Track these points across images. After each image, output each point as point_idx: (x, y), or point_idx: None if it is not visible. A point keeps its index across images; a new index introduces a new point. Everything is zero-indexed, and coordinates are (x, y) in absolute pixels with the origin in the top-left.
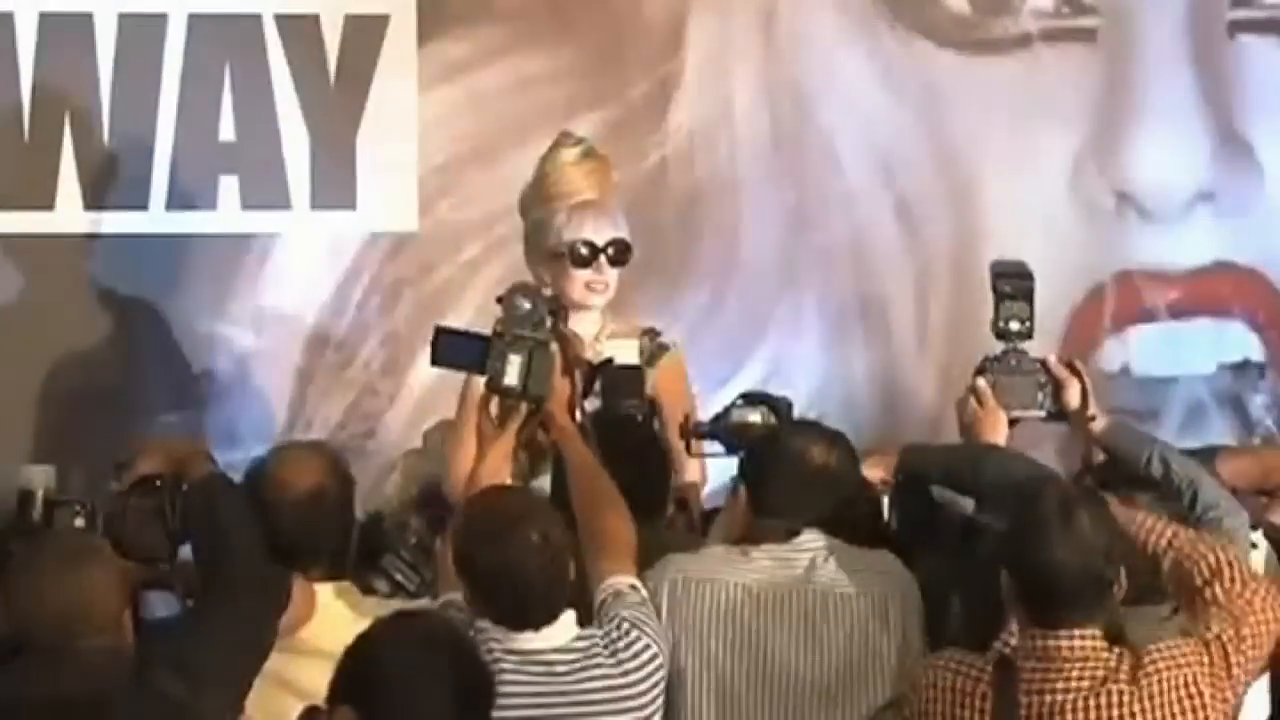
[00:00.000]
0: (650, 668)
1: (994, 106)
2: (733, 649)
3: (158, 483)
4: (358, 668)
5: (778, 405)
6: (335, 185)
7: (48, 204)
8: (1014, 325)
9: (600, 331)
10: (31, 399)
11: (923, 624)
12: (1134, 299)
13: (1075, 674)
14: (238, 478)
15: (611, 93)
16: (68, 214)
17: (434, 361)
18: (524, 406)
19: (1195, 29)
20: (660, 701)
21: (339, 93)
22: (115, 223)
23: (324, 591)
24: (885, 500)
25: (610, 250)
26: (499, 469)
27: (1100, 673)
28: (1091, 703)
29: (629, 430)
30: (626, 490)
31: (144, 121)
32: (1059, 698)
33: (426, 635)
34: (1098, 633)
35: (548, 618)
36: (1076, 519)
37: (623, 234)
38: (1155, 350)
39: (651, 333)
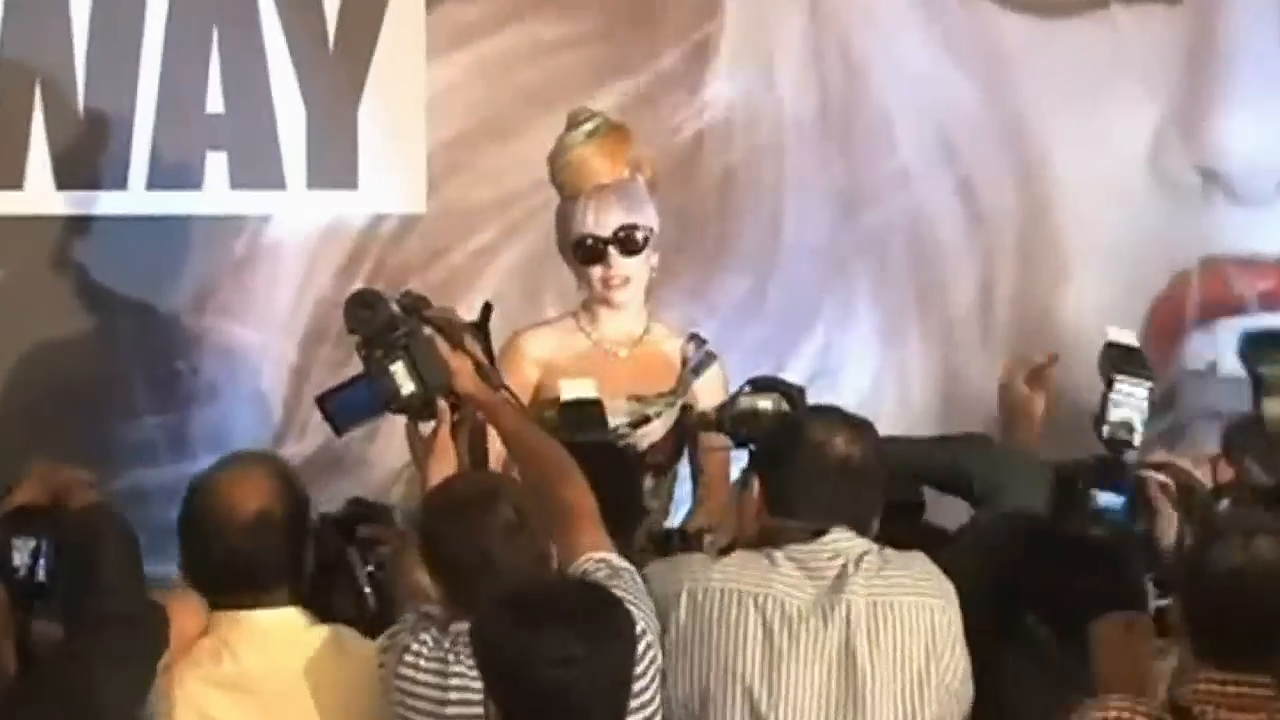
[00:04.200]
0: (641, 647)
1: (1066, 74)
2: (769, 674)
3: (36, 513)
4: None
5: (790, 392)
6: (334, 162)
7: (16, 183)
8: (1122, 434)
9: (645, 331)
10: None
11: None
12: (1221, 288)
13: None
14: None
15: (640, 59)
16: (38, 194)
17: (338, 431)
18: (442, 405)
19: None
20: (657, 685)
21: (339, 60)
22: (91, 203)
23: (267, 620)
24: None
25: (620, 239)
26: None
27: None
28: None
29: (595, 451)
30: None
31: (123, 92)
32: None
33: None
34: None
35: None
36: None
37: (635, 218)
38: None
39: (697, 339)
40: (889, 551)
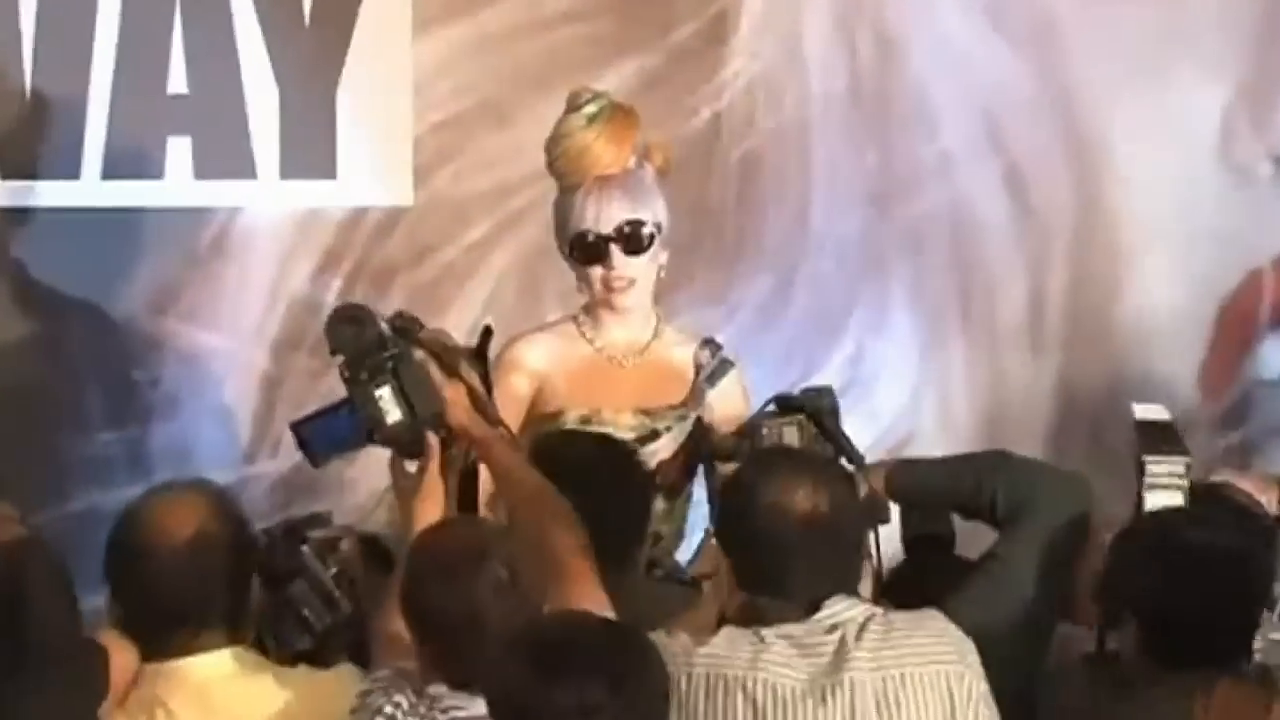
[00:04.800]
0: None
1: (1125, 50)
2: None
3: None
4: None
5: (819, 413)
6: (311, 149)
7: None
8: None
9: (654, 336)
10: None
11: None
12: None
13: None
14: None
15: (652, 34)
16: None
17: (315, 463)
18: (431, 439)
19: None
20: None
21: (315, 35)
22: (38, 194)
23: (204, 669)
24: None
25: (623, 235)
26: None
27: None
28: None
29: (598, 452)
30: (596, 527)
31: (75, 70)
32: None
33: None
34: None
35: None
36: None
37: (640, 212)
38: None
39: (712, 344)
40: (895, 616)
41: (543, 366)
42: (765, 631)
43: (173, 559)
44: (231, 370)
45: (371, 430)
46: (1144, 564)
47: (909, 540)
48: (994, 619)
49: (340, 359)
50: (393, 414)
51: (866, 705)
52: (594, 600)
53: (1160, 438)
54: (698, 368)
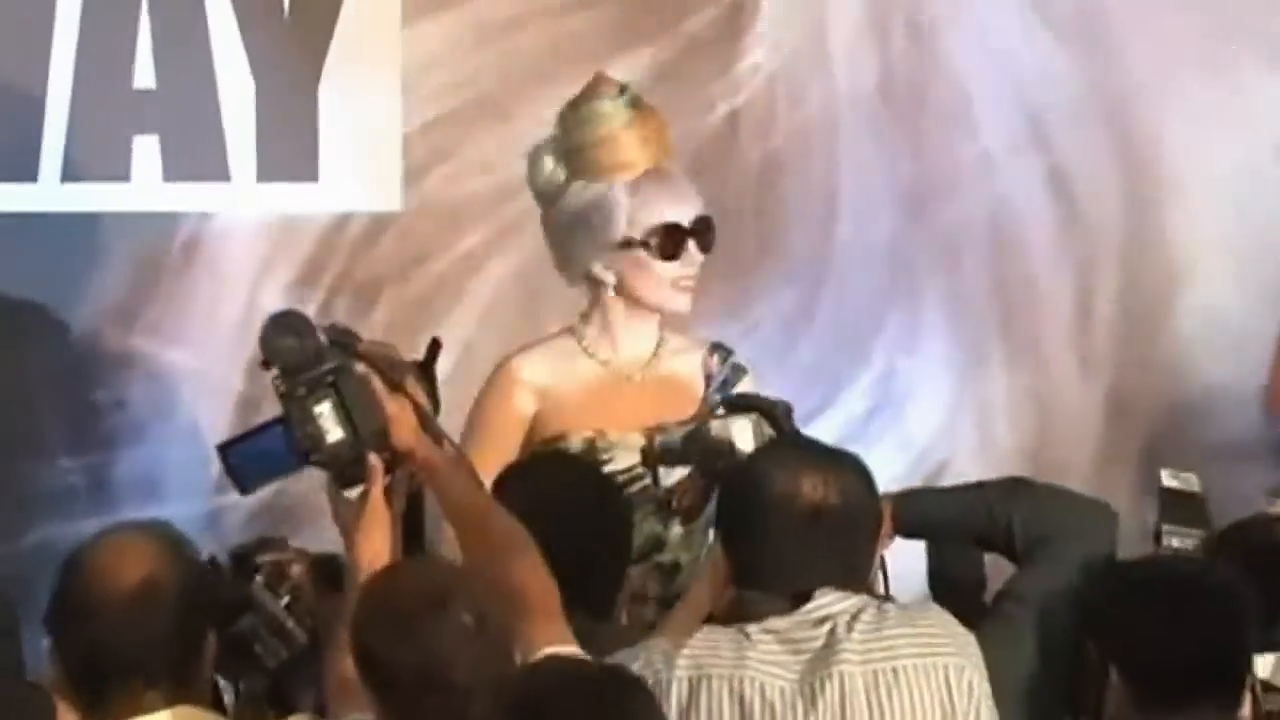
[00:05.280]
0: None
1: (1179, 42)
2: None
3: None
4: None
5: (775, 413)
6: (290, 149)
7: None
8: None
9: (659, 345)
10: None
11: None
12: None
13: None
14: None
15: (663, 23)
16: None
17: (243, 489)
18: (374, 460)
19: None
20: None
21: (295, 24)
22: None
23: None
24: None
25: (699, 231)
26: (382, 563)
27: None
28: None
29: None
30: (567, 571)
31: (32, 64)
32: None
33: None
34: None
35: None
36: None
37: (704, 209)
38: None
39: (721, 350)
40: (890, 606)
41: (545, 384)
42: (750, 628)
43: (114, 611)
44: (203, 391)
45: (308, 451)
46: (1118, 610)
47: (934, 580)
48: (1009, 665)
49: (274, 373)
50: (333, 433)
51: (856, 700)
52: (558, 635)
53: (1182, 509)
54: (708, 377)
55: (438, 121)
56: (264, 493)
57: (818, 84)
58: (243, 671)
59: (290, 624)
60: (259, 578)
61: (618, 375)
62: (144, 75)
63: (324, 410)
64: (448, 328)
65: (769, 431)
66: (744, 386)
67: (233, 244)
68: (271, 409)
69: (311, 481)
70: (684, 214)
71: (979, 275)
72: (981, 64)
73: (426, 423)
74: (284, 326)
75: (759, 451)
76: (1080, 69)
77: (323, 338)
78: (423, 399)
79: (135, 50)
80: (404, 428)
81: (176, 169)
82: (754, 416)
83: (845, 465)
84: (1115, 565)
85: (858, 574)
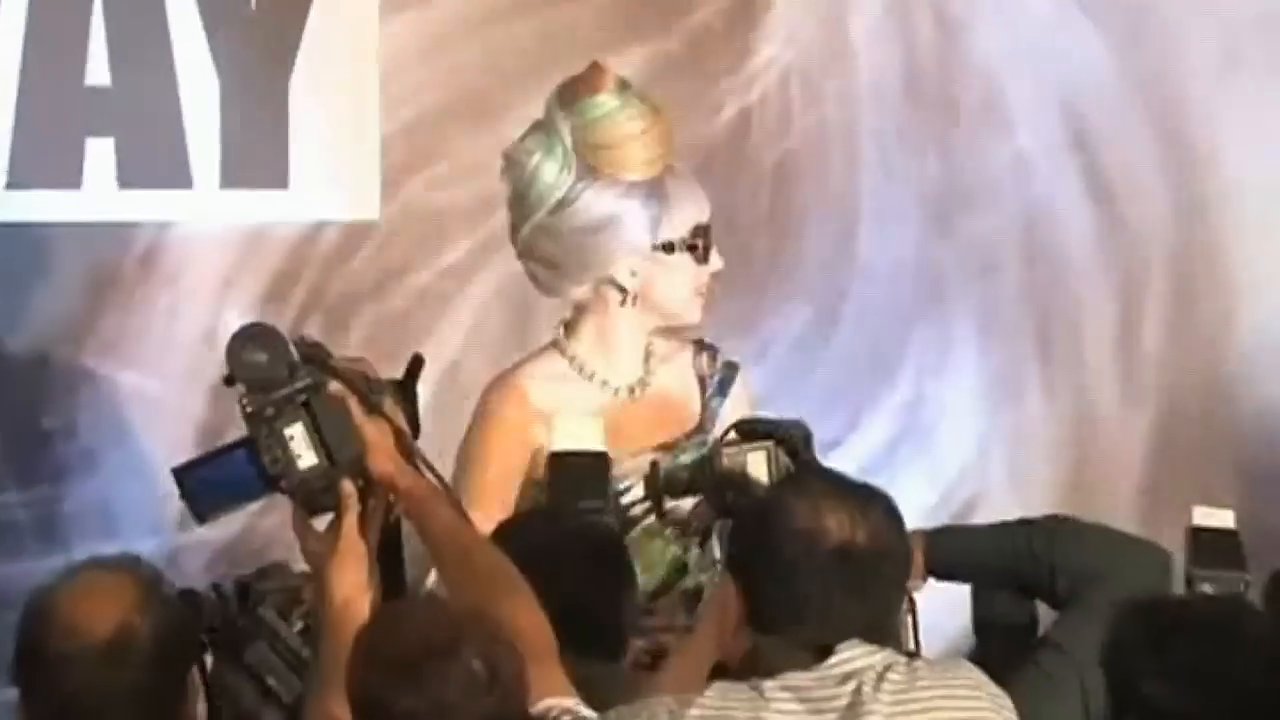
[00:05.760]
0: None
1: (1232, 33)
2: None
3: None
4: None
5: (792, 441)
6: (258, 152)
7: None
8: None
9: (648, 356)
10: None
11: None
12: None
13: None
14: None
15: (667, 13)
16: None
17: (201, 518)
18: (347, 488)
19: None
20: None
21: (264, 17)
22: None
23: None
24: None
25: (709, 232)
26: (358, 602)
27: None
28: None
29: (576, 532)
30: (570, 615)
31: None
32: None
33: None
34: None
35: None
36: None
37: None
38: None
39: (709, 349)
40: (920, 663)
41: (550, 411)
42: (766, 684)
43: (87, 664)
44: (161, 417)
45: (277, 476)
46: (1137, 659)
47: (980, 625)
48: None
49: (240, 390)
50: (305, 457)
51: None
52: (556, 685)
53: (1217, 550)
54: (701, 379)
55: (419, 122)
56: (231, 530)
57: (837, 79)
58: (254, 709)
59: (306, 653)
60: (267, 606)
61: (617, 394)
62: (98, 71)
63: (295, 433)
64: (430, 347)
65: (785, 461)
66: (738, 384)
67: (194, 257)
68: (238, 436)
69: (284, 516)
70: (705, 210)
71: (1014, 290)
72: (1016, 56)
73: (407, 448)
74: (253, 340)
75: (780, 483)
76: (1125, 60)
77: (294, 353)
78: (402, 422)
79: (88, 44)
80: (382, 453)
81: (133, 175)
82: (769, 445)
83: (874, 502)
84: (1139, 607)
85: (885, 624)
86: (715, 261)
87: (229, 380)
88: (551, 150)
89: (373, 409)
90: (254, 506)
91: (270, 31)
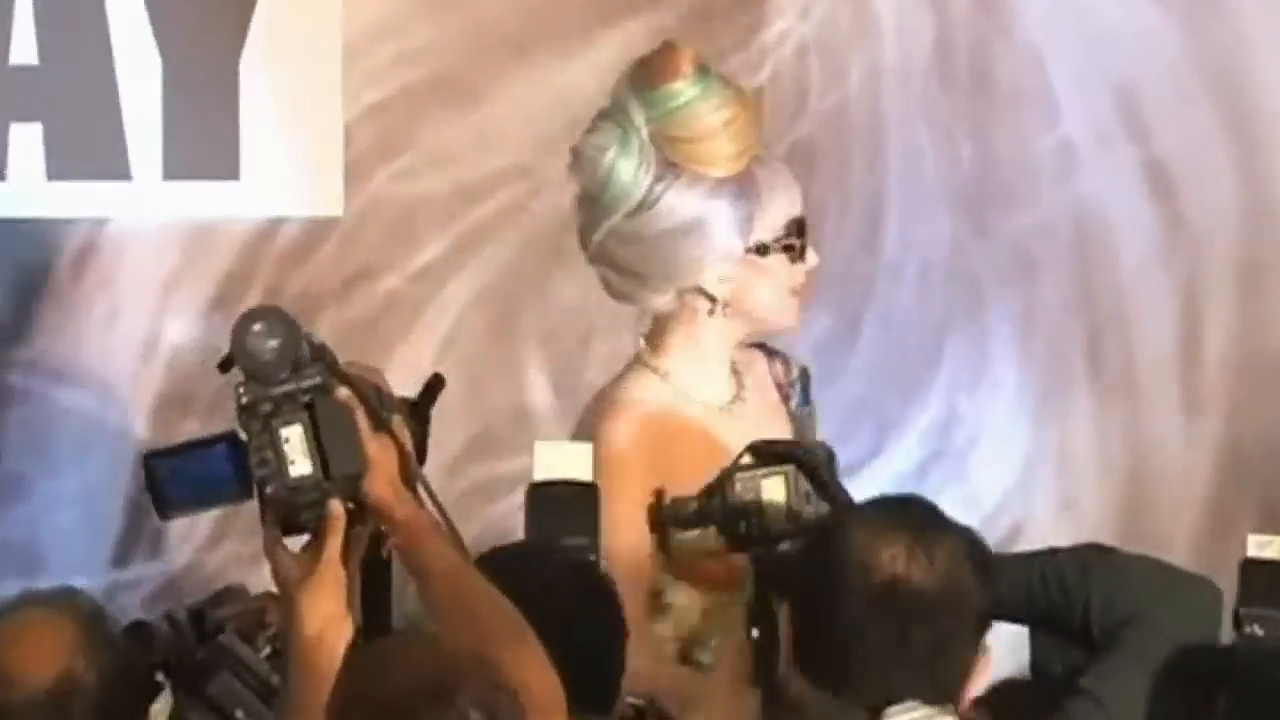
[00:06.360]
0: None
1: None
2: None
3: None
4: None
5: (814, 464)
6: (204, 140)
7: None
8: None
9: (734, 368)
10: None
11: None
12: None
13: None
14: None
15: None
16: None
17: (164, 513)
18: (335, 508)
19: None
20: None
21: None
22: None
23: None
24: None
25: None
26: (332, 635)
27: None
28: None
29: (564, 571)
30: (554, 664)
31: None
32: None
33: None
34: None
35: None
36: None
37: None
38: None
39: (778, 355)
40: None
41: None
42: None
43: (23, 712)
44: (97, 439)
45: (263, 481)
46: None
47: (1039, 670)
48: None
49: (237, 378)
50: (298, 465)
51: None
52: None
53: (1272, 585)
54: (779, 387)
55: (387, 106)
56: (175, 565)
57: (859, 59)
58: None
59: (276, 680)
60: (229, 632)
61: (723, 418)
62: (23, 49)
63: (292, 435)
64: (399, 359)
65: (806, 487)
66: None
67: (134, 257)
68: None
69: (232, 551)
70: (799, 203)
71: (1059, 295)
72: (1062, 31)
73: (410, 475)
74: (264, 323)
75: (844, 506)
76: (1187, 36)
77: (306, 348)
78: (409, 444)
79: (12, 17)
80: (381, 476)
81: (64, 165)
82: (789, 469)
83: (949, 535)
84: (1181, 656)
85: (946, 683)
86: (811, 257)
87: (226, 364)
88: (627, 146)
89: (380, 425)
90: (204, 532)
91: (219, 5)
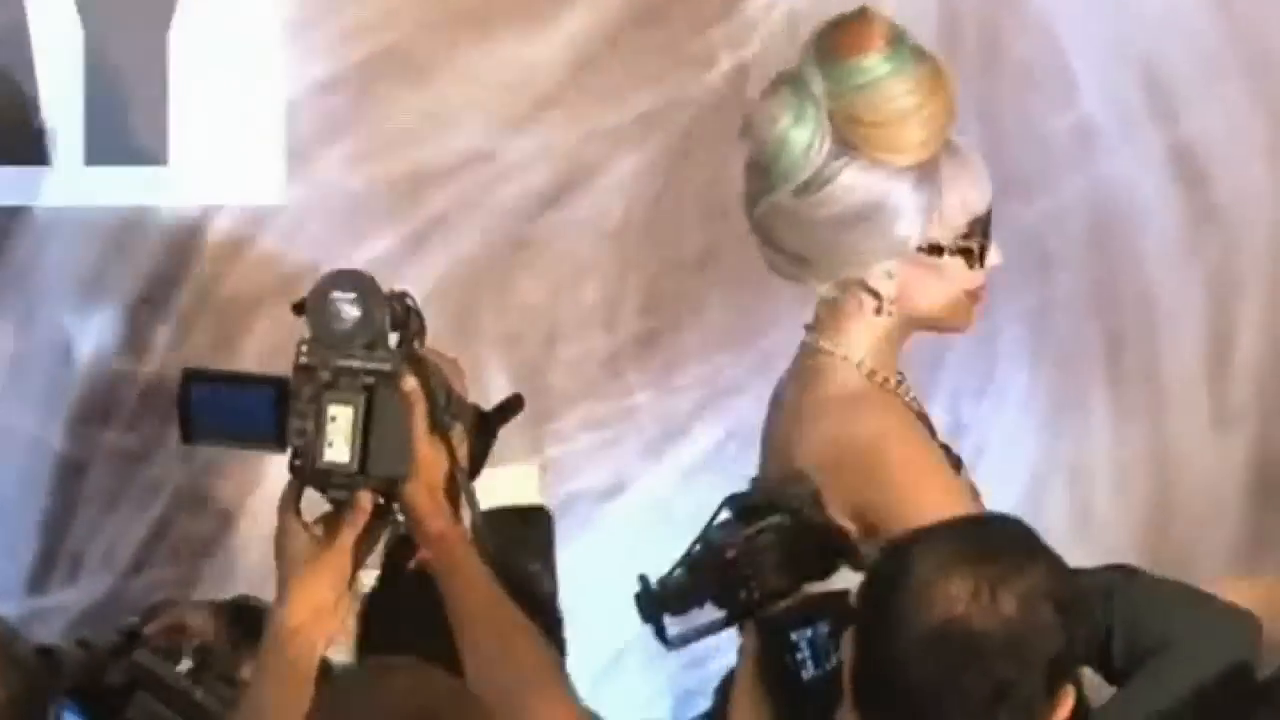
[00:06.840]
0: None
1: None
2: None
3: None
4: None
5: (801, 513)
6: (131, 122)
7: None
8: None
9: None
10: None
11: None
12: None
13: None
14: None
15: None
16: None
17: (188, 437)
18: (364, 500)
19: None
20: None
21: None
22: None
23: None
24: None
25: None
26: (312, 632)
27: None
28: None
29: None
30: None
31: None
32: None
33: None
34: None
35: None
36: None
37: None
38: None
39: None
40: None
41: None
42: None
43: None
44: (10, 450)
45: (295, 451)
46: None
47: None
48: None
49: (303, 340)
50: (335, 449)
51: None
52: None
53: None
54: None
55: (333, 83)
56: (94, 592)
57: None
58: None
59: (200, 694)
60: (143, 650)
61: (923, 420)
62: None
63: (340, 415)
64: None
65: (805, 544)
66: None
67: (52, 248)
68: (104, 477)
69: (155, 579)
70: (986, 199)
71: (1076, 290)
72: (1081, 7)
73: (456, 489)
74: (350, 293)
75: (922, 530)
76: (1216, 6)
77: (387, 327)
78: (463, 455)
79: None
80: (424, 484)
81: None
82: (776, 521)
83: (1030, 570)
84: (1211, 690)
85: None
86: (994, 256)
87: (299, 308)
88: (802, 115)
89: (438, 428)
90: (125, 557)
91: None
